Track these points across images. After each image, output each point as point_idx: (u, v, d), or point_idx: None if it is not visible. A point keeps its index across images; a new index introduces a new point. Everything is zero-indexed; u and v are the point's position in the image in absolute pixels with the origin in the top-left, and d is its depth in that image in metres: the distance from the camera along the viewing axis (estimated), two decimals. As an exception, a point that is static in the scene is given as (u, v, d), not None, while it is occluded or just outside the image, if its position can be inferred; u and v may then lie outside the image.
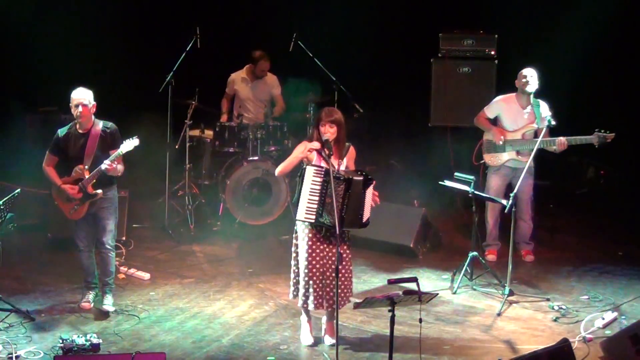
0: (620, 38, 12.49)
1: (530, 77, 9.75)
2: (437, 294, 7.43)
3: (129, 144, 8.35)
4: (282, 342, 8.10)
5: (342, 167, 7.83)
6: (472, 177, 9.17)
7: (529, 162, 9.32)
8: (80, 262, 8.81)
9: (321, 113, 7.83)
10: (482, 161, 10.08)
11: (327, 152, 7.69)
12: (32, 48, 12.15)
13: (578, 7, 12.14)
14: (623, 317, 8.58)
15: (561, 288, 9.48)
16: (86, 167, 8.41)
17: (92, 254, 8.73)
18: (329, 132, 7.72)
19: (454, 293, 9.28)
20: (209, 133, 11.60)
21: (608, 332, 8.20)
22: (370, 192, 7.78)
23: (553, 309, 8.85)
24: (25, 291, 9.16)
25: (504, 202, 9.03)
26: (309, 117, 11.50)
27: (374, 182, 7.82)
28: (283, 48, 11.53)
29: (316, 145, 7.79)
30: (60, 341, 7.71)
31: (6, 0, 12.04)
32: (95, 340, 7.74)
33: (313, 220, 7.65)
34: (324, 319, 8.13)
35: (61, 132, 8.55)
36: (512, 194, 8.98)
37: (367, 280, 9.68)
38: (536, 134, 9.83)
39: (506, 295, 8.90)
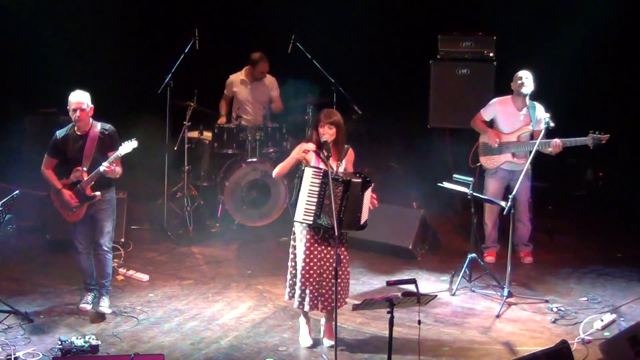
0: (618, 39, 12.49)
1: (526, 78, 9.75)
2: (436, 295, 7.43)
3: (128, 146, 8.35)
4: (281, 344, 8.10)
5: (341, 169, 7.83)
6: (470, 178, 9.18)
7: (527, 165, 9.33)
8: (79, 264, 8.81)
9: (320, 114, 7.84)
10: (479, 164, 10.08)
11: (325, 153, 7.70)
12: (31, 49, 12.14)
13: (577, 8, 12.15)
14: (622, 319, 8.57)
15: (560, 290, 9.48)
16: (84, 169, 8.41)
17: (90, 256, 8.73)
18: (328, 133, 7.72)
19: (453, 295, 9.28)
20: (207, 135, 11.59)
21: (607, 334, 8.20)
22: (368, 194, 7.78)
23: (552, 310, 8.85)
24: (24, 292, 9.15)
25: (503, 203, 9.03)
26: (308, 118, 11.51)
27: (373, 184, 7.82)
28: (282, 50, 11.53)
29: (311, 146, 7.80)
30: (59, 343, 7.71)
31: (6, 1, 12.04)
32: (94, 342, 7.73)
33: (311, 222, 7.65)
34: (323, 320, 8.13)
35: (59, 134, 8.55)
36: (510, 196, 8.98)
37: (366, 282, 9.68)
38: (532, 137, 9.84)
39: (505, 297, 8.91)
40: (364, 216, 7.78)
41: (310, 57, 11.44)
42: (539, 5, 12.71)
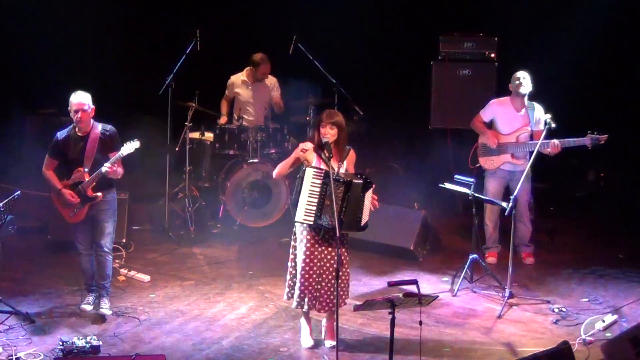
0: (619, 40, 12.50)
1: (524, 79, 9.75)
2: (437, 296, 7.43)
3: (130, 147, 8.34)
4: (282, 345, 8.10)
5: (342, 170, 7.83)
6: (472, 179, 9.18)
7: (528, 166, 9.32)
8: (81, 265, 8.80)
9: (322, 114, 7.84)
10: (478, 165, 10.08)
11: (327, 154, 7.69)
12: (32, 50, 12.14)
13: (577, 9, 12.15)
14: (623, 319, 8.56)
15: (561, 290, 9.47)
16: (86, 169, 8.41)
17: (91, 257, 8.71)
18: (329, 133, 7.72)
19: (454, 295, 9.27)
20: (209, 135, 11.60)
21: (608, 335, 8.19)
22: (369, 195, 7.78)
23: (553, 311, 8.84)
24: (25, 293, 9.16)
25: (504, 204, 9.03)
26: (309, 119, 11.51)
27: (374, 185, 7.82)
28: (283, 50, 11.53)
29: (308, 145, 7.80)
30: (60, 343, 7.71)
31: (6, 2, 12.05)
32: (95, 343, 7.73)
33: (312, 222, 7.65)
34: (324, 321, 8.13)
35: (60, 135, 8.54)
36: (512, 197, 8.98)
37: (367, 283, 9.67)
38: (532, 137, 9.84)
39: (506, 298, 8.90)
40: (365, 217, 7.77)
41: (311, 57, 11.43)
42: (540, 6, 12.71)
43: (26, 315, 8.44)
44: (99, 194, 8.44)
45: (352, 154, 7.98)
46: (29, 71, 12.11)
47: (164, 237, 11.06)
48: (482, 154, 10.03)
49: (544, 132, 9.30)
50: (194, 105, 11.17)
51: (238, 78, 11.71)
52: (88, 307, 8.69)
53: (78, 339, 7.74)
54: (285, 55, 11.50)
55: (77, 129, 8.47)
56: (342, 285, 7.77)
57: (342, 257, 7.71)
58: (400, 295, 6.71)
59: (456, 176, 9.26)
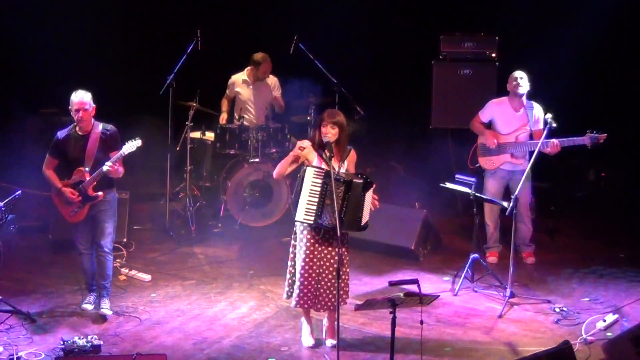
0: (620, 39, 12.50)
1: (521, 79, 9.76)
2: (438, 295, 7.42)
3: (131, 145, 8.33)
4: (283, 344, 8.10)
5: (343, 170, 7.83)
6: (473, 179, 9.18)
7: (529, 166, 9.32)
8: (81, 265, 8.80)
9: (324, 114, 7.83)
10: (477, 165, 10.08)
11: (327, 153, 7.69)
12: (33, 50, 12.14)
13: (578, 8, 12.14)
14: (624, 319, 8.56)
15: (562, 290, 9.47)
16: (86, 169, 8.40)
17: (92, 257, 8.70)
18: (330, 133, 7.71)
19: (455, 295, 9.28)
20: (210, 135, 11.60)
21: (609, 334, 8.19)
22: (369, 195, 7.77)
23: (554, 311, 8.85)
24: (26, 292, 9.16)
25: (505, 204, 9.03)
26: (310, 119, 11.51)
27: (374, 185, 7.81)
28: (284, 50, 11.53)
29: (306, 143, 7.80)
30: (61, 342, 7.71)
31: (7, 1, 12.05)
32: (96, 342, 7.74)
33: (312, 222, 7.66)
34: (325, 320, 8.13)
35: (61, 134, 8.53)
36: (513, 197, 8.98)
37: (368, 282, 9.67)
38: (531, 137, 9.84)
39: (507, 297, 8.90)
40: (365, 217, 7.77)
41: (312, 57, 11.43)
42: (540, 6, 12.71)
43: (27, 315, 8.44)
44: (100, 193, 8.43)
45: (352, 154, 7.98)
46: (30, 71, 12.10)
47: (164, 236, 11.06)
48: (482, 154, 10.04)
49: (545, 132, 9.29)
50: (194, 104, 11.17)
51: (239, 77, 11.71)
52: (89, 307, 8.70)
53: (79, 338, 7.75)
54: (286, 54, 11.50)
55: (77, 128, 8.47)
56: (342, 284, 7.76)
57: (342, 257, 7.71)
58: (401, 294, 6.71)
59: (457, 176, 9.26)
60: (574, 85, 11.92)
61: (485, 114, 10.05)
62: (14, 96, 12.27)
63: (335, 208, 7.45)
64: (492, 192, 9.93)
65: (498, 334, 8.42)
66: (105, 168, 8.27)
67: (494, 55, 12.33)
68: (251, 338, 8.23)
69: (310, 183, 7.63)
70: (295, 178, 7.91)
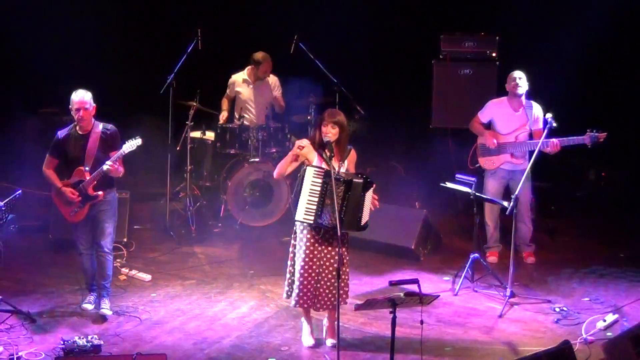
0: (620, 39, 12.50)
1: (519, 79, 9.76)
2: (438, 295, 7.42)
3: (132, 144, 8.32)
4: (283, 344, 8.10)
5: (343, 170, 7.82)
6: (473, 178, 9.18)
7: (529, 166, 9.31)
8: (81, 265, 8.80)
9: (324, 113, 7.83)
10: (477, 165, 10.08)
11: (328, 153, 7.69)
12: (33, 49, 12.14)
13: (578, 8, 12.14)
14: (624, 319, 8.56)
15: (562, 290, 9.47)
16: (86, 168, 8.40)
17: (92, 257, 8.69)
18: (331, 132, 7.71)
19: (456, 295, 9.28)
20: (210, 135, 11.60)
21: (609, 334, 8.19)
22: (369, 195, 7.77)
23: (554, 310, 8.84)
24: (27, 292, 9.16)
25: (506, 203, 9.03)
26: (310, 118, 11.51)
27: (374, 185, 7.81)
28: (284, 49, 11.53)
29: (305, 142, 7.80)
30: (62, 342, 7.71)
31: (8, 1, 12.05)
32: (96, 342, 7.74)
33: (312, 221, 7.65)
34: (325, 320, 8.13)
35: (61, 134, 8.52)
36: (513, 196, 8.98)
37: (368, 282, 9.67)
38: (531, 136, 9.85)
39: (508, 297, 8.90)
40: (365, 217, 7.77)
41: (312, 57, 11.43)
42: (541, 5, 12.71)
43: (27, 315, 8.44)
44: (100, 192, 8.43)
45: (353, 154, 7.97)
46: (31, 70, 12.11)
47: (165, 236, 11.06)
48: (482, 154, 10.04)
49: (545, 131, 9.29)
50: (195, 104, 11.17)
51: (239, 77, 11.70)
52: (89, 307, 8.69)
53: (79, 338, 7.75)
54: (286, 54, 11.50)
55: (77, 128, 8.47)
56: (342, 284, 7.76)
57: (342, 257, 7.70)
58: (402, 294, 6.71)
59: (457, 175, 9.26)
60: (574, 84, 11.92)
61: (484, 115, 10.06)
62: (14, 96, 12.28)
63: (336, 208, 7.45)
64: (492, 192, 9.93)
65: (498, 333, 8.42)
66: (105, 167, 8.26)
67: (494, 54, 12.33)
68: (251, 338, 8.23)
69: (310, 183, 7.63)
70: (296, 178, 7.91)
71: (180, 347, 7.99)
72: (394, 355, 6.85)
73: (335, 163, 7.73)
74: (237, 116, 11.51)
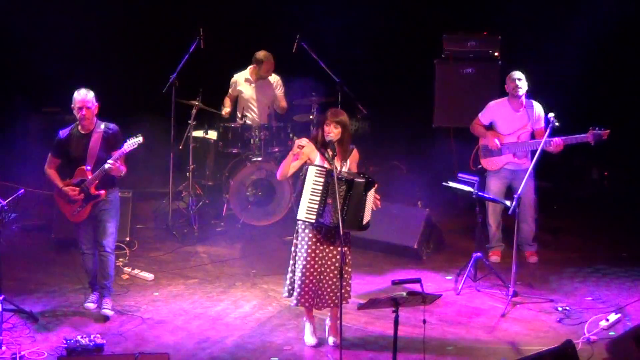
0: (624, 38, 12.49)
1: (519, 80, 9.76)
2: (441, 295, 7.44)
3: (133, 142, 8.32)
4: (286, 343, 8.10)
5: (345, 169, 7.82)
6: (475, 178, 9.18)
7: (531, 165, 9.30)
8: (83, 264, 8.81)
9: (327, 112, 7.82)
10: (480, 166, 10.06)
11: (330, 152, 7.68)
12: (35, 48, 12.15)
13: (581, 7, 12.13)
14: (627, 318, 8.56)
15: (565, 289, 9.47)
16: (88, 168, 8.40)
17: (95, 256, 8.68)
18: (333, 132, 7.71)
19: (458, 294, 9.27)
20: (212, 134, 11.59)
21: (612, 334, 8.19)
22: (371, 195, 7.77)
23: (557, 310, 8.84)
24: (29, 291, 9.16)
25: (508, 203, 9.03)
26: (313, 118, 11.50)
27: (376, 185, 7.81)
28: (286, 49, 11.53)
29: (304, 141, 7.80)
30: (64, 342, 7.71)
31: (10, 1, 12.06)
32: (99, 341, 7.74)
33: (313, 221, 7.66)
34: (328, 319, 8.13)
35: (63, 133, 8.52)
36: (515, 196, 8.97)
37: (371, 281, 9.66)
38: (533, 135, 9.84)
39: (510, 297, 8.89)
40: (367, 216, 7.77)
41: (315, 56, 11.43)
42: (543, 5, 12.70)
43: (30, 314, 8.44)
44: (102, 192, 8.43)
45: (355, 153, 7.97)
46: (33, 70, 12.12)
47: (167, 235, 11.07)
48: (484, 155, 10.03)
49: (548, 130, 9.28)
50: (197, 103, 11.17)
51: (241, 76, 11.69)
52: (91, 306, 8.69)
53: (82, 337, 7.75)
54: (288, 53, 11.49)
55: (80, 127, 8.46)
56: (344, 283, 7.75)
57: (345, 256, 7.70)
58: (404, 293, 6.71)
59: (460, 175, 9.26)
60: (577, 84, 11.92)
61: (485, 116, 10.05)
62: (17, 95, 12.28)
63: (339, 207, 7.44)
64: (495, 192, 9.92)
65: (501, 333, 8.41)
66: (107, 166, 8.26)
67: (496, 54, 12.31)
68: (254, 337, 8.22)
69: (312, 182, 7.63)
70: (298, 177, 7.91)
71: (182, 347, 7.99)
72: (397, 354, 6.86)
73: (337, 162, 7.73)
74: (239, 115, 11.50)
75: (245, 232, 11.12)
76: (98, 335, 7.85)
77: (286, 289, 7.99)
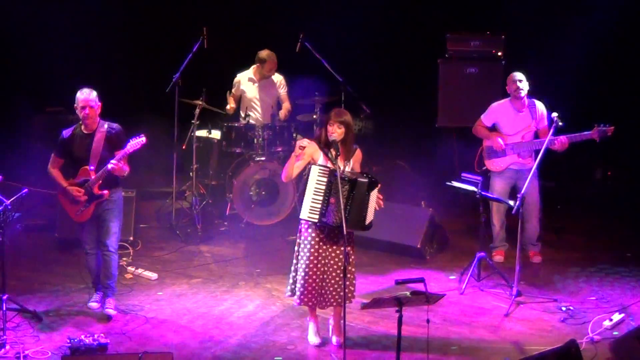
0: (627, 38, 12.48)
1: (520, 81, 9.75)
2: (445, 294, 7.42)
3: (136, 142, 8.32)
4: (289, 343, 8.10)
5: (348, 169, 7.82)
6: (479, 177, 9.18)
7: (535, 165, 9.30)
8: (87, 264, 8.81)
9: (331, 112, 7.82)
10: (484, 168, 10.05)
11: (333, 152, 7.69)
12: (39, 48, 12.17)
13: (584, 7, 12.13)
14: (631, 318, 8.55)
15: (569, 289, 9.46)
16: (91, 168, 8.40)
17: (98, 256, 8.69)
18: (337, 132, 7.71)
19: (462, 294, 9.27)
20: (216, 133, 11.60)
21: (616, 333, 8.18)
22: (374, 194, 7.77)
23: (561, 309, 8.83)
24: (33, 291, 9.18)
25: (512, 203, 9.02)
26: (316, 117, 11.50)
27: (379, 184, 7.80)
28: (290, 48, 11.53)
29: (305, 142, 7.80)
30: (68, 341, 7.72)
31: (13, 1, 12.07)
32: (102, 340, 7.75)
33: (316, 220, 7.66)
34: (331, 319, 8.13)
35: (66, 133, 8.53)
36: (519, 195, 8.96)
37: (374, 281, 9.66)
38: (536, 134, 9.84)
39: (514, 296, 8.89)
40: (370, 216, 7.76)
41: (318, 55, 11.43)
42: (546, 4, 12.69)
43: (33, 313, 8.45)
44: (105, 191, 8.43)
45: (358, 153, 7.97)
46: (37, 69, 12.13)
47: (171, 235, 11.07)
48: (488, 157, 10.01)
49: (551, 131, 9.27)
50: (201, 103, 11.17)
51: (244, 76, 11.69)
52: (95, 305, 8.70)
53: (85, 336, 7.76)
54: (292, 53, 11.49)
55: (83, 127, 8.47)
56: (347, 283, 7.75)
57: (348, 256, 7.69)
58: (408, 293, 6.71)
59: (463, 174, 9.26)
60: (580, 84, 11.91)
61: (488, 118, 10.04)
62: (20, 94, 12.29)
63: (342, 207, 7.44)
64: (499, 192, 9.91)
65: (504, 332, 8.41)
66: (109, 166, 8.26)
67: (500, 54, 12.31)
68: (257, 336, 8.23)
69: (315, 181, 7.63)
70: (302, 177, 7.91)
71: (186, 346, 7.99)
72: (400, 354, 6.86)
73: (340, 162, 7.73)
74: (242, 115, 11.51)
75: (249, 231, 11.12)
76: (102, 334, 7.87)
77: (289, 287, 7.99)
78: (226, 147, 11.38)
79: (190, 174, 11.33)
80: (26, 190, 8.42)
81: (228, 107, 11.53)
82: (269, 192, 11.23)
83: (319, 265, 7.77)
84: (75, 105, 8.41)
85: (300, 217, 7.74)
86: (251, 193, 11.20)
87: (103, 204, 8.51)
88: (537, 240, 10.26)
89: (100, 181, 8.39)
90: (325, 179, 7.62)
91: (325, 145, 7.78)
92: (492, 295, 9.25)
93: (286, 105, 11.68)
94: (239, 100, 11.75)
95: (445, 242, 10.86)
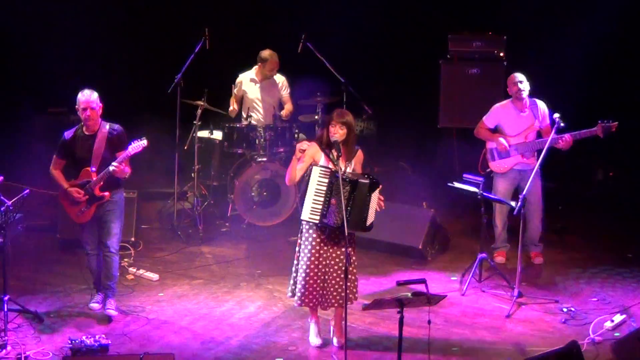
0: (628, 38, 12.47)
1: (521, 82, 9.74)
2: (446, 295, 7.41)
3: (137, 145, 8.33)
4: (290, 344, 8.10)
5: (349, 170, 7.82)
6: (481, 178, 9.17)
7: (537, 165, 9.29)
8: (88, 265, 8.81)
9: (333, 113, 7.82)
10: (488, 170, 10.03)
11: (335, 153, 7.69)
12: (41, 49, 12.17)
13: (586, 6, 12.12)
14: (632, 319, 8.54)
15: (570, 290, 9.46)
16: (93, 169, 8.40)
17: (99, 257, 8.70)
18: (339, 133, 7.71)
19: (463, 295, 9.27)
20: (217, 134, 11.60)
21: (617, 335, 8.18)
22: (375, 195, 7.76)
23: (562, 311, 8.83)
24: (34, 292, 9.18)
25: (513, 203, 9.01)
26: (318, 118, 11.50)
27: (380, 186, 7.80)
28: (292, 49, 11.53)
29: (305, 145, 7.80)
30: (69, 342, 7.73)
31: (15, 2, 12.07)
32: (103, 341, 7.76)
33: (317, 221, 7.66)
34: (333, 320, 8.13)
35: (67, 134, 8.54)
36: (521, 196, 8.96)
37: (376, 282, 9.66)
38: (539, 134, 9.83)
39: (515, 297, 8.89)
40: (371, 217, 7.76)
41: (320, 56, 11.42)
42: (548, 5, 12.69)
43: (35, 314, 8.45)
44: (107, 193, 8.44)
45: (360, 154, 7.97)
46: (38, 70, 12.14)
47: (172, 235, 11.07)
48: (492, 159, 10.00)
49: (553, 131, 9.27)
50: (202, 104, 11.17)
51: (246, 76, 11.68)
52: (96, 306, 8.70)
53: (87, 337, 7.76)
54: (293, 53, 11.49)
55: (84, 128, 8.48)
56: (349, 284, 7.76)
57: (350, 256, 7.69)
58: (409, 294, 6.71)
59: (465, 175, 9.25)
60: (582, 84, 11.90)
61: (490, 120, 10.03)
62: (22, 95, 12.30)
63: (343, 208, 7.44)
64: (503, 193, 9.90)
65: (506, 333, 8.41)
66: (111, 168, 8.27)
67: (501, 54, 12.31)
68: (259, 338, 8.23)
69: (316, 182, 7.63)
70: (303, 178, 7.91)
71: (187, 347, 8.00)
72: (402, 355, 6.85)
73: (342, 163, 7.73)
74: (244, 115, 11.50)
75: (250, 232, 11.12)
76: (103, 335, 7.87)
77: (290, 288, 8.00)
78: (228, 147, 11.38)
79: (192, 174, 11.33)
80: (28, 190, 8.42)
81: (230, 109, 11.52)
82: (271, 192, 11.22)
83: (320, 266, 7.77)
84: (76, 106, 8.42)
85: (301, 218, 7.74)
86: (253, 194, 11.20)
87: (104, 205, 8.51)
88: (539, 241, 10.25)
89: (102, 183, 8.39)
90: (326, 180, 7.62)
91: (327, 146, 7.78)
92: (494, 297, 9.24)
93: (288, 107, 11.67)
94: (240, 99, 11.73)
95: (446, 243, 10.86)
